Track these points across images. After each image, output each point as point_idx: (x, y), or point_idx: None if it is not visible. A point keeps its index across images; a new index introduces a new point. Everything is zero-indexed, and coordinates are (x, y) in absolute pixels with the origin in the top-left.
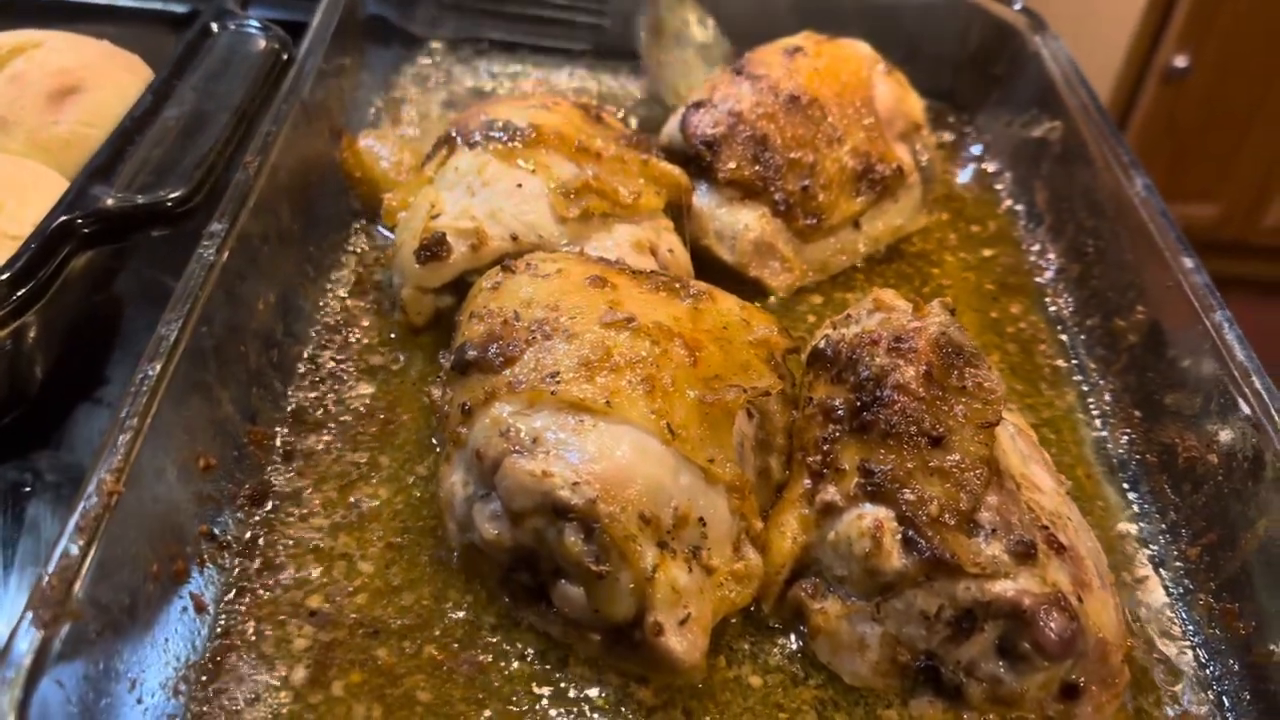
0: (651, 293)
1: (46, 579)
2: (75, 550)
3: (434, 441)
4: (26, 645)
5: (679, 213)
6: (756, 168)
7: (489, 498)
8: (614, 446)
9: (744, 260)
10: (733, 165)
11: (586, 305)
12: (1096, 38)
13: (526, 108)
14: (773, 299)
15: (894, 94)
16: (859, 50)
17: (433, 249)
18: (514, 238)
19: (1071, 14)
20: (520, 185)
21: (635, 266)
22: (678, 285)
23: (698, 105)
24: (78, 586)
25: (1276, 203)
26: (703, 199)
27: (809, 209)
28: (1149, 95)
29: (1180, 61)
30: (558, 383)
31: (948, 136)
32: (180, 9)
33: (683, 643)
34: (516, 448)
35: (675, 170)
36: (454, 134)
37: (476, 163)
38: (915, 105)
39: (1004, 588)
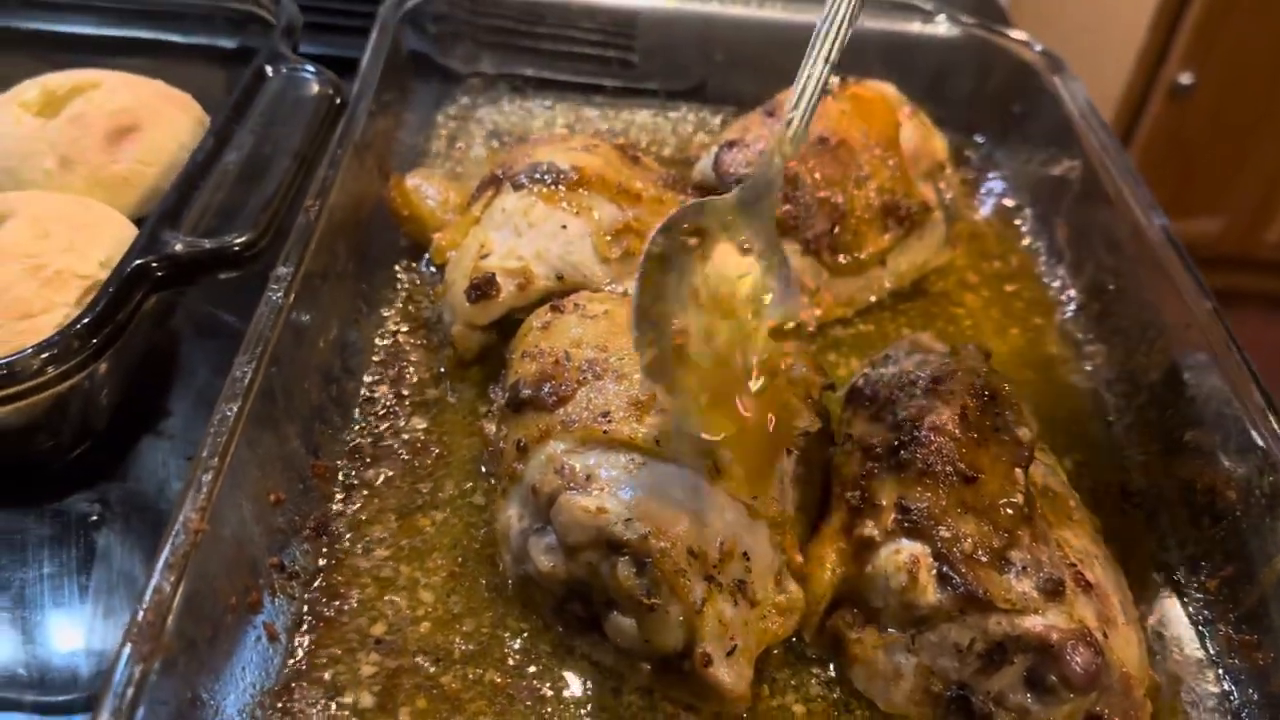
0: None
1: (142, 614)
2: (167, 587)
3: (483, 470)
4: (127, 677)
5: None
6: (787, 206)
7: (544, 531)
8: (664, 485)
9: None
10: None
11: None
12: (1103, 54)
13: (568, 149)
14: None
15: (919, 134)
16: (885, 92)
17: (482, 288)
18: (559, 277)
19: (1078, 31)
20: (565, 226)
21: None
22: None
23: (731, 144)
24: (170, 620)
25: None
26: None
27: (838, 245)
28: (1154, 111)
29: (1185, 78)
30: (609, 422)
31: (967, 173)
32: (229, 44)
33: (730, 673)
34: (571, 484)
35: None
36: (500, 175)
37: (522, 204)
38: (939, 145)
39: (1033, 623)
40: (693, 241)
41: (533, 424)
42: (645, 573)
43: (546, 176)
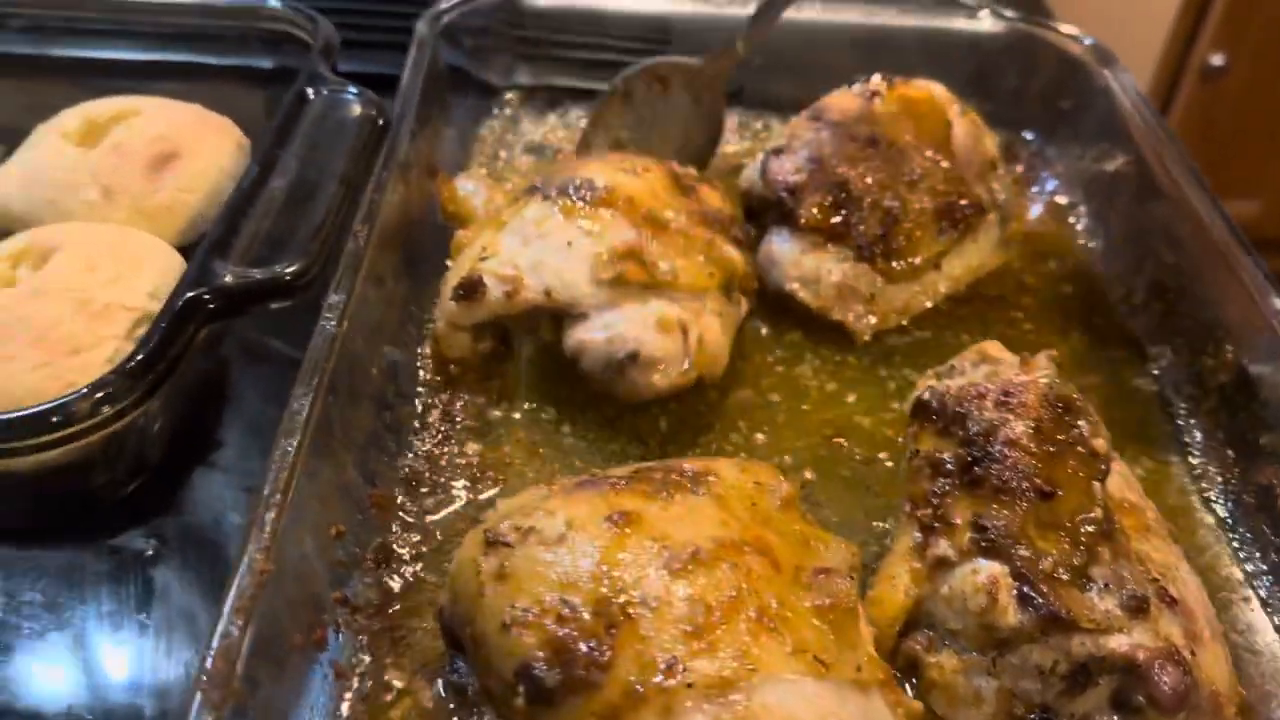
0: (666, 504)
1: (211, 660)
2: (234, 631)
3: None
4: None
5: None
6: (839, 212)
7: None
8: (787, 713)
9: (827, 305)
10: (814, 210)
11: (634, 555)
12: (1133, 36)
13: (616, 169)
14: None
15: (970, 134)
16: (934, 91)
17: (467, 289)
18: (548, 293)
19: (1107, 13)
20: (570, 243)
21: (655, 347)
22: (674, 477)
23: (777, 151)
24: (238, 666)
25: None
26: (785, 245)
27: (892, 251)
28: (1187, 94)
29: (1218, 59)
30: (684, 671)
31: (1018, 172)
32: (265, 64)
33: None
34: None
35: (734, 256)
36: (537, 185)
37: (541, 214)
38: (991, 144)
39: (1118, 643)
40: (656, 87)
41: (581, 712)
42: None
43: (577, 192)
